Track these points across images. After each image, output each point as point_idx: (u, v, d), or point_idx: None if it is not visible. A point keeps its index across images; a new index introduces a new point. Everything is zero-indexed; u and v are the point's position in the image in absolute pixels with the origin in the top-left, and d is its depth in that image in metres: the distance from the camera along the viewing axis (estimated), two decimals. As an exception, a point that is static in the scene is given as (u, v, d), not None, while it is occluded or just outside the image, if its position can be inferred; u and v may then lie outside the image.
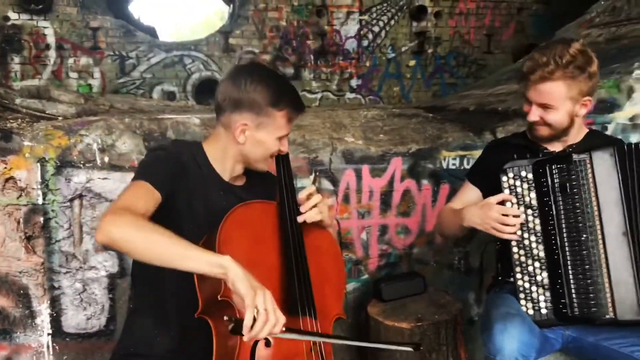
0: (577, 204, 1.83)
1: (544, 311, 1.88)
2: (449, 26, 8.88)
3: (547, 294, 1.88)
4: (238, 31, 8.19)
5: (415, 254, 2.84)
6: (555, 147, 2.02)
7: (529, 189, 1.90)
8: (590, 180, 1.82)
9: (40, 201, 2.40)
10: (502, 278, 2.10)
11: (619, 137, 2.64)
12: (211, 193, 1.67)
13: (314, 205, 1.66)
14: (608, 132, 2.68)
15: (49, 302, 2.46)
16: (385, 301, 2.53)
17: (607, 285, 1.80)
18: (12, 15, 7.42)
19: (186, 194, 1.61)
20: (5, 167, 2.34)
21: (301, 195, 1.68)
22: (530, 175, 1.90)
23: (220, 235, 1.49)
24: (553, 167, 1.86)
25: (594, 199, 1.82)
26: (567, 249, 1.85)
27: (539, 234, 1.90)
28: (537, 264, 1.90)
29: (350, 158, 2.70)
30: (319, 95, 8.54)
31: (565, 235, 1.86)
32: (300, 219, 1.64)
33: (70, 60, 7.67)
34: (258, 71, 1.70)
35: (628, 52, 3.12)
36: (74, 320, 2.50)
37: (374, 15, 8.63)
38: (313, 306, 1.58)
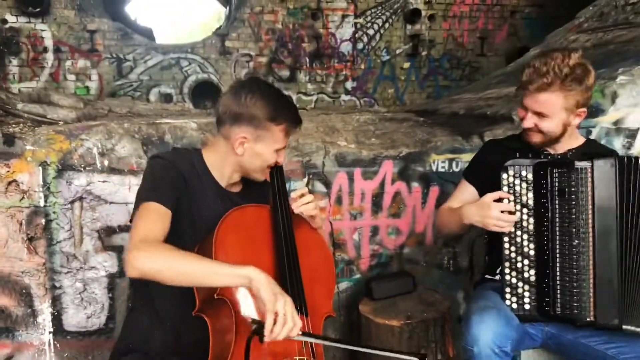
0: (573, 210, 1.85)
1: (527, 307, 1.92)
2: (443, 29, 8.94)
3: (533, 290, 1.91)
4: (234, 34, 8.22)
5: (406, 254, 2.90)
6: (555, 148, 2.04)
7: (527, 189, 1.91)
8: (589, 188, 1.83)
9: (42, 203, 2.44)
10: (488, 275, 2.15)
11: (602, 141, 2.72)
12: (209, 199, 1.73)
13: (307, 202, 1.74)
14: (592, 137, 2.73)
15: (50, 301, 2.50)
16: (376, 300, 2.60)
17: (591, 290, 1.83)
18: (10, 18, 7.43)
19: (186, 201, 1.68)
20: (8, 171, 2.38)
21: (294, 195, 1.76)
22: (530, 176, 1.91)
23: (216, 238, 1.57)
24: (554, 171, 1.87)
25: (590, 206, 1.83)
26: (557, 251, 1.88)
27: (531, 233, 1.92)
28: (526, 261, 1.92)
29: (343, 161, 2.76)
30: (314, 98, 8.58)
31: (557, 237, 1.88)
32: (296, 210, 1.73)
33: (68, 63, 7.68)
34: (258, 86, 1.75)
35: (613, 57, 3.17)
36: (75, 318, 2.54)
37: (369, 18, 8.68)
38: (305, 304, 1.65)
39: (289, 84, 8.39)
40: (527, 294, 1.93)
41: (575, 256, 1.85)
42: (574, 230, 1.85)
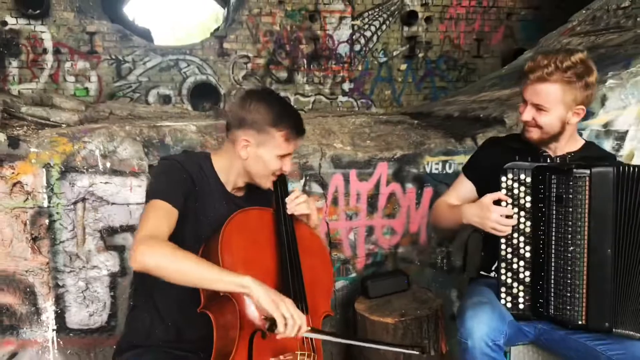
0: (570, 216, 1.86)
1: (521, 306, 1.96)
2: (440, 31, 8.98)
3: (527, 291, 1.95)
4: (232, 36, 8.26)
5: (400, 253, 2.94)
6: (554, 150, 2.05)
7: (525, 192, 1.92)
8: (587, 195, 1.83)
9: (45, 204, 2.47)
10: (483, 271, 2.19)
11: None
12: (214, 200, 1.80)
13: (300, 203, 1.81)
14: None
15: (53, 299, 2.53)
16: (372, 298, 2.65)
17: (584, 295, 1.86)
18: (10, 20, 7.46)
19: (194, 202, 1.75)
20: (13, 172, 2.42)
21: (288, 198, 1.83)
22: (528, 180, 1.91)
23: (222, 238, 1.63)
24: (552, 177, 1.88)
25: (586, 214, 1.84)
26: (552, 255, 1.90)
27: (528, 236, 1.94)
28: (521, 263, 1.95)
29: (339, 163, 2.80)
30: (312, 99, 8.62)
31: (553, 242, 1.90)
32: (289, 210, 1.80)
33: (68, 64, 7.71)
34: (264, 95, 1.83)
35: (604, 61, 3.19)
36: (78, 316, 2.58)
37: (366, 20, 8.72)
38: (305, 302, 1.71)
39: (286, 86, 8.44)
40: (521, 294, 1.96)
41: (570, 261, 1.88)
42: (569, 236, 1.87)
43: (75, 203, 2.52)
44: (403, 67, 8.95)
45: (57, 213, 2.50)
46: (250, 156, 1.79)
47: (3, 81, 7.42)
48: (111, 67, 7.89)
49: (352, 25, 8.66)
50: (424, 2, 8.83)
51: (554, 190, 1.88)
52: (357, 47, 8.73)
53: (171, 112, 3.79)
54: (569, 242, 1.87)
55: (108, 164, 2.53)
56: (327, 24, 8.55)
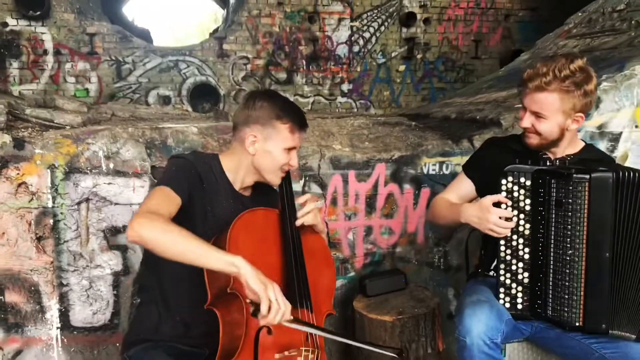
0: (569, 220, 1.87)
1: (519, 307, 1.98)
2: (438, 32, 9.03)
3: (526, 292, 1.97)
4: (232, 37, 8.30)
5: (398, 252, 2.97)
6: (554, 153, 2.05)
7: (525, 196, 1.93)
8: (586, 200, 1.84)
9: (50, 204, 2.50)
10: (482, 270, 2.20)
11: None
12: (222, 200, 1.86)
13: (309, 212, 1.87)
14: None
15: (58, 298, 2.56)
16: (370, 296, 2.68)
17: (582, 298, 1.88)
18: (11, 21, 7.48)
19: (201, 199, 1.80)
20: (18, 173, 2.45)
21: (300, 201, 1.89)
22: (528, 183, 1.92)
23: (230, 236, 1.68)
24: (552, 181, 1.88)
25: (585, 218, 1.85)
26: (551, 257, 1.92)
27: (527, 238, 1.95)
28: (520, 264, 1.97)
29: (338, 164, 2.84)
30: (311, 100, 8.66)
31: (552, 245, 1.91)
32: (298, 222, 1.85)
33: (68, 65, 7.74)
34: (267, 94, 1.92)
35: (598, 63, 3.20)
36: (81, 315, 2.60)
37: (365, 21, 8.76)
38: (309, 300, 1.76)
39: (286, 87, 8.47)
40: (520, 295, 1.98)
41: (568, 264, 1.89)
42: (568, 240, 1.88)
43: (79, 203, 2.55)
44: (401, 68, 8.99)
45: (62, 213, 2.53)
46: (258, 151, 1.85)
47: (4, 82, 7.44)
48: (111, 68, 7.92)
49: (351, 27, 8.70)
50: (422, 3, 8.88)
51: (554, 194, 1.89)
52: (355, 48, 8.77)
53: (172, 114, 3.84)
54: (568, 245, 1.88)
55: (111, 165, 2.57)
56: (326, 25, 8.59)
